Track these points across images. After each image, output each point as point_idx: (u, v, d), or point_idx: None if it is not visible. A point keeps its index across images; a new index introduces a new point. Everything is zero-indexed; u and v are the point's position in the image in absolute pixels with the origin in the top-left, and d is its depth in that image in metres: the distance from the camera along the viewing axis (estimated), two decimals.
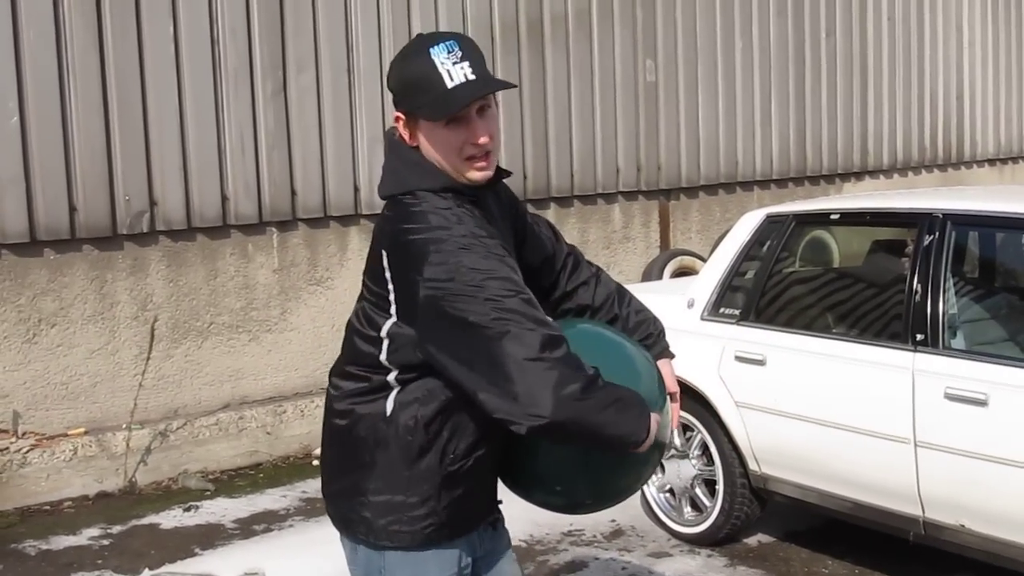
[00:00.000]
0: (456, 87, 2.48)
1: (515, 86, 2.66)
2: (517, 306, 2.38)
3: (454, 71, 2.48)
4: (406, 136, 2.57)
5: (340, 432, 2.65)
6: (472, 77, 2.49)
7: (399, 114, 2.57)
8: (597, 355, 2.62)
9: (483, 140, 2.53)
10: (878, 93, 10.92)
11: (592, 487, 2.69)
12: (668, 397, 2.76)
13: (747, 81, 9.81)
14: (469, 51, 2.51)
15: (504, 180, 2.73)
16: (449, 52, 2.49)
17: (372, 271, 2.58)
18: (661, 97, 9.22)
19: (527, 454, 2.65)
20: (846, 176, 10.75)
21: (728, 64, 9.66)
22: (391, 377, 2.54)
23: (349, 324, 2.67)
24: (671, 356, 2.90)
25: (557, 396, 2.34)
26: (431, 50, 2.49)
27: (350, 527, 2.66)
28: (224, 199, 6.96)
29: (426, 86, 2.48)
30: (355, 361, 2.62)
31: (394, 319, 2.51)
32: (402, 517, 2.57)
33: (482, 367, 2.38)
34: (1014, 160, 12.40)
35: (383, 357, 2.54)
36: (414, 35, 2.62)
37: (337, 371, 2.69)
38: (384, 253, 2.53)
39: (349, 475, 2.63)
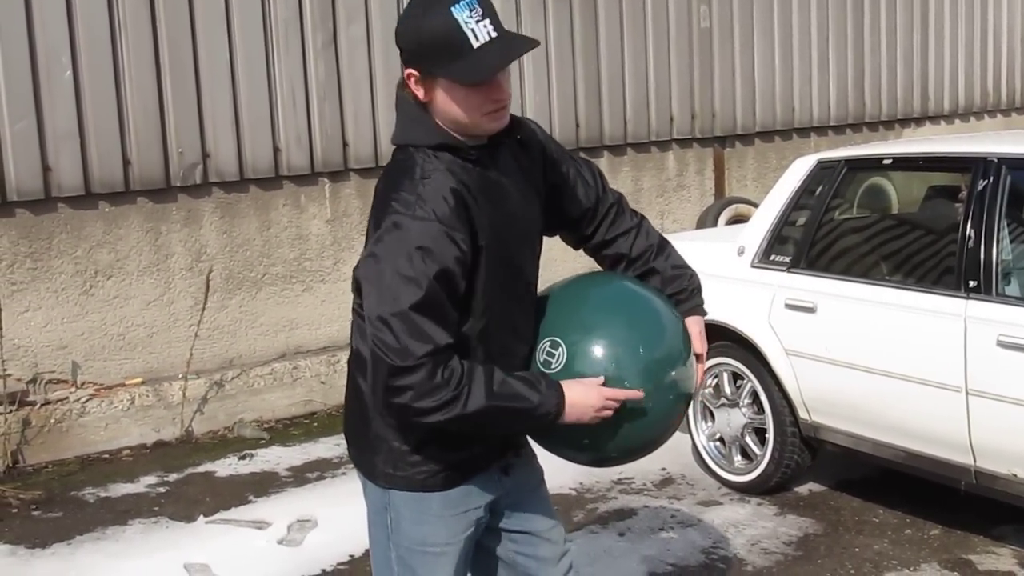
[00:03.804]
0: (483, 48, 2.42)
1: (539, 44, 2.58)
2: (403, 320, 2.39)
3: (478, 30, 2.41)
4: (419, 94, 2.50)
5: (349, 378, 2.74)
6: (494, 35, 2.43)
7: (412, 71, 2.48)
8: (621, 307, 2.66)
9: (504, 98, 2.51)
10: (939, 36, 10.70)
11: (618, 441, 2.68)
12: (692, 353, 2.75)
13: (804, 25, 9.65)
14: (487, 6, 2.45)
15: (539, 126, 2.75)
16: (471, 10, 2.41)
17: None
18: (716, 43, 9.11)
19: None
20: (906, 122, 10.56)
21: (784, 8, 9.51)
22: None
23: None
24: (703, 313, 2.88)
25: (396, 412, 2.49)
26: (452, 9, 2.40)
27: (360, 467, 2.75)
28: (276, 151, 7.00)
29: (452, 48, 2.41)
30: (353, 306, 2.68)
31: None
32: (398, 463, 2.63)
33: (371, 350, 2.48)
34: None
35: (357, 302, 2.61)
36: None
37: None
38: (372, 207, 2.58)
39: (355, 419, 2.72)
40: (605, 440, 2.67)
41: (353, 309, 2.67)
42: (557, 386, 2.54)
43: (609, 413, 2.57)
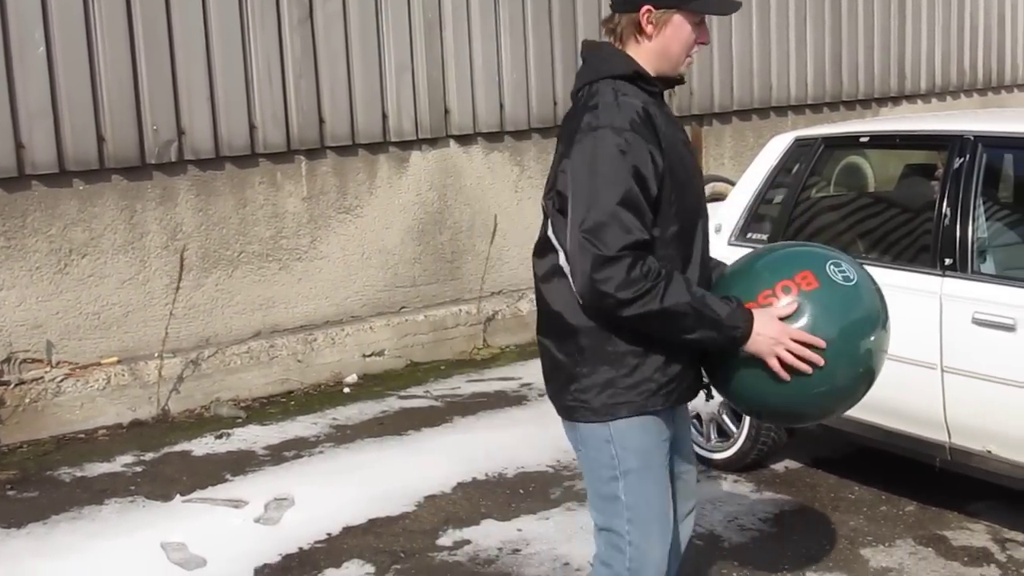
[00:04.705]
0: None
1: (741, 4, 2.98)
2: (609, 215, 2.64)
3: None
4: (648, 29, 2.84)
5: (542, 345, 2.92)
6: None
7: (649, 7, 2.82)
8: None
9: (707, 40, 2.93)
10: (916, 15, 10.71)
11: (779, 405, 2.86)
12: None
13: (782, 3, 9.64)
14: None
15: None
16: None
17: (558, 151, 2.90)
18: None
19: (723, 365, 2.88)
20: (883, 101, 10.58)
21: None
22: (562, 260, 2.77)
23: None
24: None
25: (599, 302, 2.67)
26: None
27: (574, 414, 2.86)
28: (252, 128, 6.95)
29: None
30: (539, 239, 2.91)
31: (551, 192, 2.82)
32: (618, 390, 2.78)
33: (574, 248, 2.69)
34: None
35: (549, 231, 2.82)
36: None
37: (534, 251, 2.94)
38: (565, 133, 2.86)
39: (562, 369, 2.84)
40: (768, 401, 2.83)
41: (542, 237, 2.87)
42: (747, 311, 2.72)
43: (786, 355, 2.71)
